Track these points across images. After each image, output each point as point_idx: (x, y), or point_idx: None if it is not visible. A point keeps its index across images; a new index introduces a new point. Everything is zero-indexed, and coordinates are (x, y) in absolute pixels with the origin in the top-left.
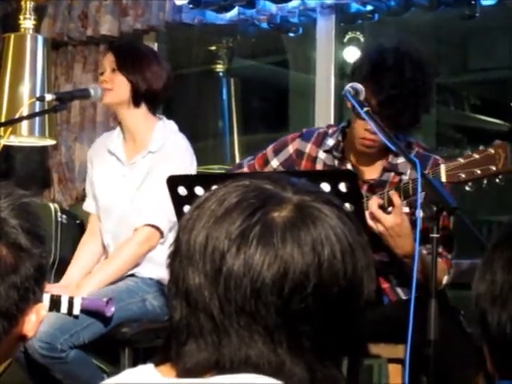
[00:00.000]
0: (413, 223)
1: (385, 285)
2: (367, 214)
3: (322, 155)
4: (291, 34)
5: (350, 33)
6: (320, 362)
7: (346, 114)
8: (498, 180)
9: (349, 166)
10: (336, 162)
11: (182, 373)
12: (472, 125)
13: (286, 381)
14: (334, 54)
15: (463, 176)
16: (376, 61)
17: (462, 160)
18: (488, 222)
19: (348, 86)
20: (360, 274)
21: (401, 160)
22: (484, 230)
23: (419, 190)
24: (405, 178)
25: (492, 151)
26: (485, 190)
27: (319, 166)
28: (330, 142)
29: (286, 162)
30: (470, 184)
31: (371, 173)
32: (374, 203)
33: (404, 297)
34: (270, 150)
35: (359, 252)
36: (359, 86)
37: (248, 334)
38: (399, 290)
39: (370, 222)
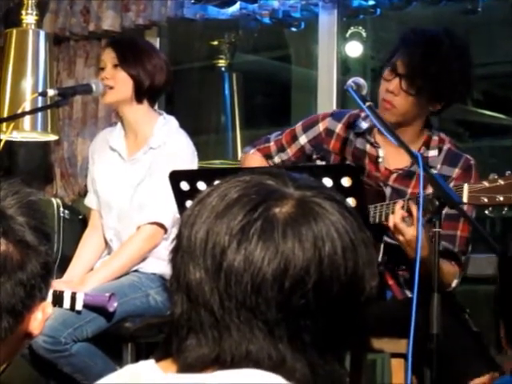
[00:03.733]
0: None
1: (391, 281)
2: (391, 223)
3: (352, 137)
4: (293, 29)
5: (352, 27)
6: (322, 358)
7: (348, 108)
8: None
9: (380, 152)
10: (367, 147)
11: (183, 368)
12: (474, 119)
13: (288, 376)
14: (336, 48)
15: (485, 200)
16: (416, 30)
17: (486, 184)
18: (491, 218)
19: (350, 81)
20: (361, 269)
21: (432, 153)
22: (487, 226)
23: (421, 184)
24: (434, 171)
25: None
26: None
27: (349, 149)
28: (364, 125)
29: (314, 140)
30: (490, 209)
31: (401, 162)
32: (398, 214)
33: (410, 295)
34: (299, 126)
35: (361, 248)
36: (361, 81)
37: (248, 330)
38: (406, 289)
39: (393, 231)
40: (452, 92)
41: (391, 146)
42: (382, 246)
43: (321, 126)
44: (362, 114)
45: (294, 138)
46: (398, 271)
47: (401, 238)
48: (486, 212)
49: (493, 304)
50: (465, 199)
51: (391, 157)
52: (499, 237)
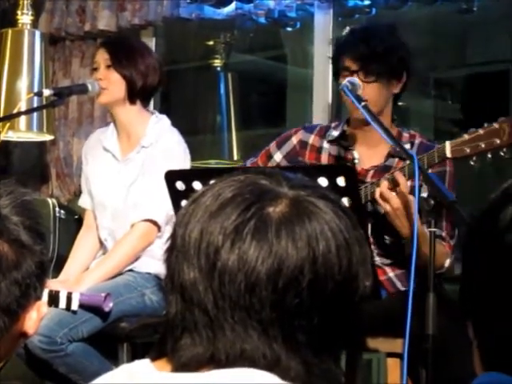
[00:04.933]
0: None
1: (382, 277)
2: (377, 193)
3: (326, 145)
4: (289, 29)
5: (347, 27)
6: (316, 357)
7: (343, 108)
8: (502, 153)
9: (355, 154)
10: (342, 152)
11: (178, 367)
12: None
13: (282, 375)
14: (332, 48)
15: (468, 151)
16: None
17: (466, 136)
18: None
19: (345, 81)
20: (355, 268)
21: (406, 146)
22: None
23: (417, 184)
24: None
25: (496, 126)
26: (485, 182)
27: (324, 156)
28: (335, 132)
29: (288, 155)
30: (474, 159)
31: (376, 159)
32: (384, 184)
33: (402, 288)
34: (273, 145)
35: (355, 247)
36: (356, 81)
37: (243, 329)
38: (397, 282)
39: (380, 201)
40: (403, 66)
41: (364, 147)
42: (370, 225)
43: (294, 140)
44: (332, 124)
45: (269, 157)
46: (388, 266)
47: (388, 207)
48: (472, 163)
49: (458, 304)
50: (448, 154)
51: (365, 157)
52: None
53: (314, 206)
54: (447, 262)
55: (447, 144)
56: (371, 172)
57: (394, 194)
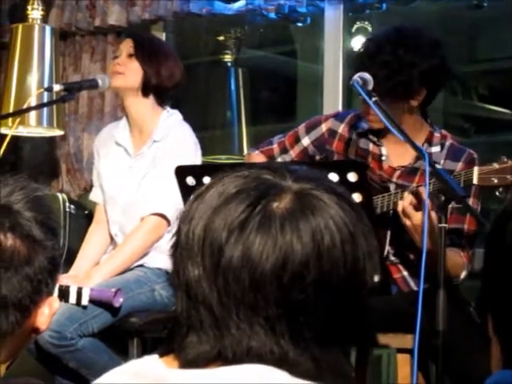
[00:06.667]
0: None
1: (397, 275)
2: (400, 207)
3: (355, 137)
4: (299, 24)
5: (358, 22)
6: (325, 352)
7: (354, 103)
8: None
9: (383, 151)
10: (370, 146)
11: (185, 364)
12: (480, 114)
13: (291, 371)
14: (342, 43)
15: (495, 181)
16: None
17: (496, 165)
18: (496, 212)
19: (356, 76)
20: (362, 263)
21: (435, 149)
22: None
23: (427, 180)
24: (438, 167)
25: None
26: None
27: (352, 149)
28: (365, 125)
29: (317, 141)
30: (500, 190)
31: (404, 159)
32: (407, 199)
33: (415, 288)
34: (302, 127)
35: (361, 240)
36: (367, 76)
37: (248, 326)
38: (411, 282)
39: (401, 215)
40: (414, 84)
41: (394, 144)
42: (389, 233)
43: (323, 127)
44: None
45: (297, 140)
46: (402, 264)
47: (408, 222)
48: (497, 193)
49: (477, 300)
50: (475, 181)
51: (394, 155)
52: None
53: (318, 199)
54: (463, 274)
55: (475, 170)
56: (398, 172)
57: (415, 210)
